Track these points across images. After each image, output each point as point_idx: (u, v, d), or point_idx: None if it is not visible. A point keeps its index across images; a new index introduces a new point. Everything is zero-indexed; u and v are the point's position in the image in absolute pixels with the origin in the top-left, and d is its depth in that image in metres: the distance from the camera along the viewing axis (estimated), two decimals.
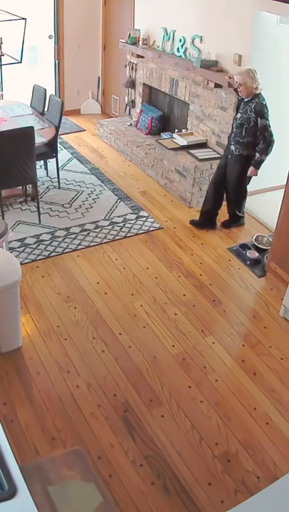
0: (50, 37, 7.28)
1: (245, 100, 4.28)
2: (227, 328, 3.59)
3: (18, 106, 5.65)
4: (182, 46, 5.42)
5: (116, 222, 4.81)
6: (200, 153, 5.22)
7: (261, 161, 4.32)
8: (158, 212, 5.06)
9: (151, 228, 4.76)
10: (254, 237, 4.57)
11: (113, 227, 4.72)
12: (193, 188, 5.09)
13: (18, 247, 4.31)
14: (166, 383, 3.08)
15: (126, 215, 4.95)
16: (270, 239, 4.42)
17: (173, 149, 5.38)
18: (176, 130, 5.72)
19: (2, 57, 6.10)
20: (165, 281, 4.03)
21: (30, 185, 4.93)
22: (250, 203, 5.27)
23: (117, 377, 3.11)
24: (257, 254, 4.35)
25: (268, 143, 4.23)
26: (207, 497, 2.44)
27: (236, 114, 4.42)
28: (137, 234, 4.65)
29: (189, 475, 2.55)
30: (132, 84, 6.60)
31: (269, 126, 4.21)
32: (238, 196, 4.73)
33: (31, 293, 3.79)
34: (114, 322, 3.56)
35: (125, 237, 4.58)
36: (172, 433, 2.77)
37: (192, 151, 5.24)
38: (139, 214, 4.97)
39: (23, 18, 5.69)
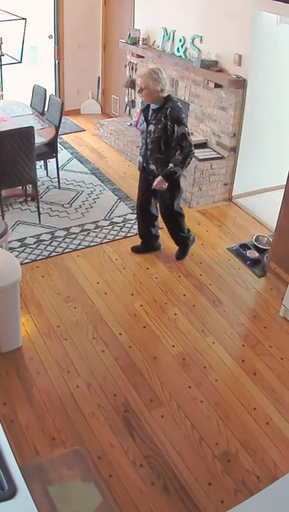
0: (50, 37, 7.28)
1: (154, 108, 3.65)
2: (227, 328, 3.59)
3: (18, 106, 5.65)
4: (182, 46, 5.42)
5: (116, 222, 4.80)
6: (200, 153, 5.21)
7: (173, 173, 3.64)
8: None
9: None
10: (254, 237, 4.57)
11: (113, 227, 4.72)
12: (193, 188, 5.09)
13: (18, 247, 4.31)
14: (166, 383, 3.08)
15: (126, 215, 4.95)
16: (270, 239, 4.42)
17: None
18: None
19: (2, 57, 6.10)
20: (165, 281, 4.03)
21: (30, 185, 4.93)
22: (250, 203, 5.28)
23: (117, 377, 3.11)
24: (257, 254, 4.35)
25: (186, 154, 3.59)
26: (207, 497, 2.44)
27: (147, 126, 3.72)
28: (137, 234, 4.65)
29: (189, 475, 2.55)
30: (132, 84, 6.60)
31: (188, 134, 3.59)
32: (175, 219, 4.13)
33: (31, 293, 3.79)
34: (114, 322, 3.56)
35: (125, 237, 4.58)
36: (172, 433, 2.77)
37: None
38: None
39: (23, 18, 5.69)
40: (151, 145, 3.71)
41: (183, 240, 4.26)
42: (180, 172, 3.68)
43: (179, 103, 3.65)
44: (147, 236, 4.31)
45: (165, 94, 3.59)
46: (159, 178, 3.68)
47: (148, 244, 4.34)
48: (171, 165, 3.62)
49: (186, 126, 3.60)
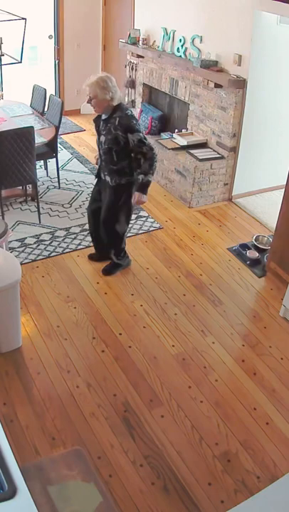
0: (50, 37, 7.28)
1: (104, 118, 3.48)
2: (227, 328, 3.59)
3: (18, 106, 5.65)
4: (182, 46, 5.42)
5: None
6: (200, 153, 5.22)
7: (148, 183, 3.46)
8: (158, 212, 5.06)
9: (151, 228, 4.76)
10: (254, 237, 4.57)
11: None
12: (193, 188, 5.09)
13: (18, 247, 4.31)
14: (166, 383, 3.08)
15: None
16: (270, 239, 4.42)
17: (173, 149, 5.38)
18: (176, 130, 5.72)
19: (2, 57, 6.09)
20: (165, 281, 4.03)
21: (30, 185, 4.93)
22: (250, 203, 5.28)
23: (117, 377, 3.11)
24: (257, 254, 4.35)
25: (151, 158, 3.41)
26: (207, 497, 2.44)
27: (98, 136, 3.60)
28: (137, 234, 4.65)
29: (189, 475, 2.55)
30: (132, 84, 6.59)
31: (144, 138, 3.40)
32: (115, 237, 3.88)
33: (31, 293, 3.79)
34: (114, 322, 3.56)
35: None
36: (172, 433, 2.77)
37: (192, 151, 5.24)
38: (139, 214, 4.97)
39: (23, 18, 5.69)
40: (104, 156, 3.55)
41: (110, 253, 4.01)
42: (152, 179, 3.49)
43: (129, 110, 3.44)
44: (101, 243, 4.05)
45: (115, 103, 3.38)
46: (136, 193, 3.50)
47: (104, 252, 4.07)
48: (141, 176, 3.44)
49: (140, 132, 3.40)
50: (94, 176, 3.91)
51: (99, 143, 3.60)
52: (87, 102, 3.47)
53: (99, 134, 3.58)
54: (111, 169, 3.55)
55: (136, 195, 3.51)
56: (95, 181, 3.94)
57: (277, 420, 2.88)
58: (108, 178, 3.61)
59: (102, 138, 3.50)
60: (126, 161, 3.50)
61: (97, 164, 3.83)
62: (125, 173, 3.55)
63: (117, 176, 3.56)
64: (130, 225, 4.72)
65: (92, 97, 3.35)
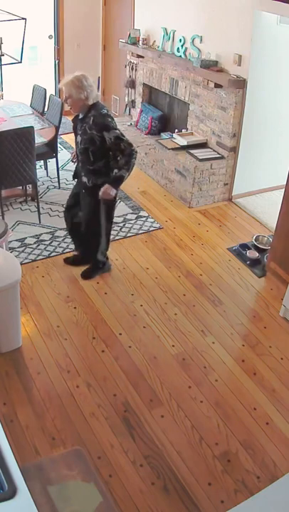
0: (50, 37, 7.28)
1: (80, 117, 3.43)
2: (227, 328, 3.59)
3: (18, 106, 5.65)
4: (182, 46, 5.42)
5: (116, 222, 4.79)
6: (200, 153, 5.22)
7: (120, 178, 3.36)
8: (158, 212, 5.06)
9: (151, 228, 4.76)
10: (254, 237, 4.57)
11: (113, 227, 4.71)
12: (193, 188, 5.09)
13: (18, 247, 4.31)
14: (166, 383, 3.08)
15: (126, 215, 4.94)
16: (270, 239, 4.42)
17: (173, 149, 5.38)
18: (176, 130, 5.72)
19: (2, 57, 6.10)
20: (165, 281, 4.03)
21: (30, 185, 4.93)
22: (250, 203, 5.28)
23: (117, 377, 3.11)
24: (257, 254, 4.35)
25: (129, 155, 3.32)
26: (207, 497, 2.44)
27: (75, 137, 3.54)
28: (137, 234, 4.65)
29: (189, 475, 2.55)
30: (132, 84, 6.59)
31: (122, 135, 3.32)
32: (96, 238, 3.81)
33: (31, 293, 3.79)
34: (114, 322, 3.56)
35: (125, 237, 4.58)
36: (172, 433, 2.77)
37: (192, 151, 5.24)
38: (139, 214, 4.97)
39: (23, 18, 5.70)
40: (80, 156, 3.49)
41: (94, 260, 3.95)
42: (126, 175, 3.37)
43: (104, 109, 3.36)
44: (83, 245, 4.00)
45: (90, 102, 3.32)
46: (106, 185, 3.38)
47: (85, 254, 4.00)
48: (115, 170, 3.36)
49: (117, 129, 3.31)
50: (72, 177, 3.86)
51: (76, 143, 3.56)
52: (64, 102, 3.44)
53: (76, 134, 3.54)
54: (88, 169, 3.49)
55: (105, 187, 3.39)
56: (74, 182, 3.91)
57: (277, 420, 2.88)
58: (85, 179, 3.55)
59: (79, 138, 3.45)
60: (102, 161, 3.43)
61: (74, 162, 3.80)
62: (102, 174, 3.46)
63: (93, 176, 3.49)
64: (130, 225, 4.74)
65: (68, 96, 3.30)
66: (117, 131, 3.31)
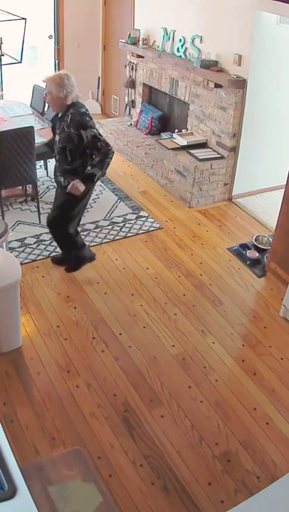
0: (50, 37, 7.29)
1: (59, 116, 3.45)
2: (227, 328, 3.59)
3: (18, 106, 5.65)
4: (182, 46, 5.42)
5: (116, 222, 4.80)
6: (200, 153, 5.22)
7: (92, 176, 3.36)
8: (158, 212, 5.06)
9: (151, 228, 4.76)
10: (254, 237, 4.57)
11: (113, 227, 4.72)
12: (193, 188, 5.09)
13: (18, 247, 4.31)
14: (166, 383, 3.08)
15: (126, 215, 4.95)
16: (270, 239, 4.42)
17: (173, 149, 5.38)
18: (176, 130, 5.72)
19: (2, 57, 6.10)
20: (165, 281, 4.03)
21: (30, 185, 4.93)
22: (250, 203, 5.28)
23: (117, 377, 3.11)
24: (257, 254, 4.35)
25: (104, 153, 3.33)
26: (207, 497, 2.44)
27: (54, 136, 3.55)
28: (137, 234, 4.65)
29: (189, 475, 2.55)
30: (132, 84, 6.60)
31: (99, 134, 3.34)
32: (65, 234, 3.80)
33: (31, 293, 3.79)
34: (114, 322, 3.56)
35: (125, 237, 4.58)
36: (172, 433, 2.77)
37: (192, 151, 5.24)
38: (139, 214, 4.97)
39: (23, 18, 5.70)
40: (58, 156, 3.50)
41: (70, 251, 3.95)
42: (99, 174, 3.38)
43: (83, 108, 3.37)
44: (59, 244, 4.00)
45: (69, 102, 3.33)
46: (76, 180, 3.36)
47: (68, 254, 4.00)
48: (88, 167, 3.37)
49: (94, 128, 3.33)
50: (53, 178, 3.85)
51: (54, 142, 3.57)
52: (44, 98, 3.48)
53: (54, 134, 3.54)
54: (64, 169, 3.49)
55: (74, 182, 3.37)
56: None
57: (277, 420, 2.88)
58: (61, 179, 3.54)
59: (57, 137, 3.46)
60: (79, 161, 3.42)
61: None
62: (78, 174, 3.43)
63: (70, 176, 3.45)
64: (130, 225, 4.74)
65: (48, 92, 3.33)
66: (95, 130, 3.33)
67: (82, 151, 3.39)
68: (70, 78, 3.31)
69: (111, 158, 3.39)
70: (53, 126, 3.59)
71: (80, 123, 3.31)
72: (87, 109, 3.41)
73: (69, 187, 3.41)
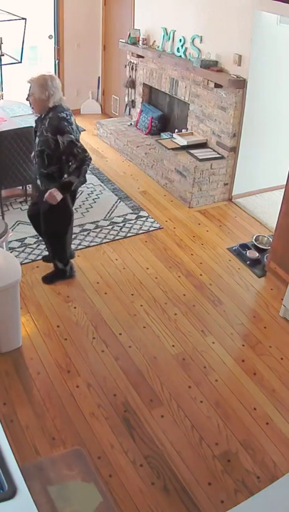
0: (50, 37, 7.28)
1: (42, 118, 3.37)
2: (227, 328, 3.59)
3: (18, 106, 5.65)
4: (182, 46, 5.42)
5: (116, 222, 4.80)
6: (200, 153, 5.22)
7: (69, 184, 3.28)
8: (158, 212, 5.06)
9: (151, 228, 4.76)
10: (254, 237, 4.57)
11: (113, 227, 4.72)
12: (193, 188, 5.09)
13: (18, 247, 4.31)
14: (166, 383, 3.08)
15: (126, 215, 4.95)
16: (270, 239, 4.42)
17: (173, 149, 5.38)
18: (176, 130, 5.72)
19: (2, 57, 6.10)
20: (165, 281, 4.03)
21: (30, 185, 4.93)
22: (250, 203, 5.28)
23: (117, 377, 3.11)
24: (257, 254, 4.35)
25: (81, 160, 3.23)
26: (207, 497, 2.44)
27: (35, 139, 3.47)
28: (137, 234, 4.65)
29: (189, 475, 2.55)
30: (132, 84, 6.60)
31: (76, 140, 3.24)
32: (54, 244, 3.77)
33: (31, 293, 3.79)
34: (114, 322, 3.56)
35: (125, 237, 4.58)
36: (172, 433, 2.77)
37: (192, 151, 5.24)
38: (139, 214, 4.97)
39: (23, 18, 5.70)
40: (36, 159, 3.40)
41: (54, 265, 3.90)
42: (77, 182, 3.30)
43: (63, 113, 3.25)
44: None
45: (51, 105, 3.24)
46: (53, 189, 3.27)
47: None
48: (65, 175, 3.29)
49: (71, 134, 3.22)
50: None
51: (34, 145, 3.51)
52: (26, 99, 3.41)
53: (35, 136, 3.47)
54: (41, 173, 3.40)
55: (50, 190, 3.28)
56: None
57: (277, 420, 2.88)
58: (39, 182, 3.48)
59: (37, 140, 3.38)
60: (56, 167, 3.33)
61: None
62: (55, 179, 3.35)
63: (46, 180, 3.39)
64: (130, 225, 4.74)
65: (31, 93, 3.25)
66: (72, 136, 3.22)
67: (59, 157, 3.29)
68: (54, 80, 3.22)
69: (88, 165, 3.31)
70: (34, 128, 3.51)
71: (56, 128, 3.20)
72: (68, 114, 3.29)
73: (46, 195, 3.32)
